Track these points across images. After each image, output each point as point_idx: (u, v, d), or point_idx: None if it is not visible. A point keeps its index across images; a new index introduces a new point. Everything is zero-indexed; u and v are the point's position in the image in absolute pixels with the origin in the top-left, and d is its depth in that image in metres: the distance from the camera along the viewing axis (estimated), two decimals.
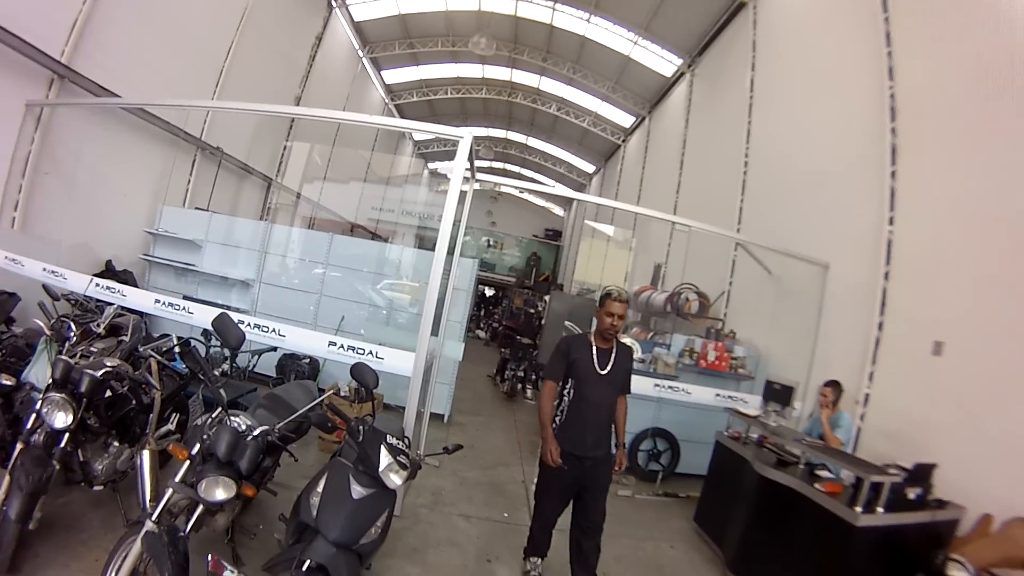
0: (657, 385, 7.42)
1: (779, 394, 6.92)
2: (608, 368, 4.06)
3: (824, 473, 4.96)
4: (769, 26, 10.86)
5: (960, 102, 5.81)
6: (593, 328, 4.26)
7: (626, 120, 20.34)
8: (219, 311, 3.74)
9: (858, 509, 4.14)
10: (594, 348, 4.09)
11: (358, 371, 3.79)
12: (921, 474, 4.44)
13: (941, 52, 6.24)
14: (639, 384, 7.43)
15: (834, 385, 5.92)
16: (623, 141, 21.21)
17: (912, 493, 4.34)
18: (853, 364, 6.51)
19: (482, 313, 27.03)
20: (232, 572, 2.88)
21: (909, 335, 5.91)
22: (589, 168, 26.64)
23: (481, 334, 23.43)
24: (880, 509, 4.18)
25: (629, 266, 13.38)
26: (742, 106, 11.02)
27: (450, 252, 6.59)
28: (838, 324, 7.11)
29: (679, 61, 15.22)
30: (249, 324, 5.77)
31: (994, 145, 5.30)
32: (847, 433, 5.79)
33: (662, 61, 15.84)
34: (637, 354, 8.09)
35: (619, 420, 4.27)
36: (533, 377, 12.46)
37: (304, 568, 2.90)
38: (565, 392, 4.13)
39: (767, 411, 6.90)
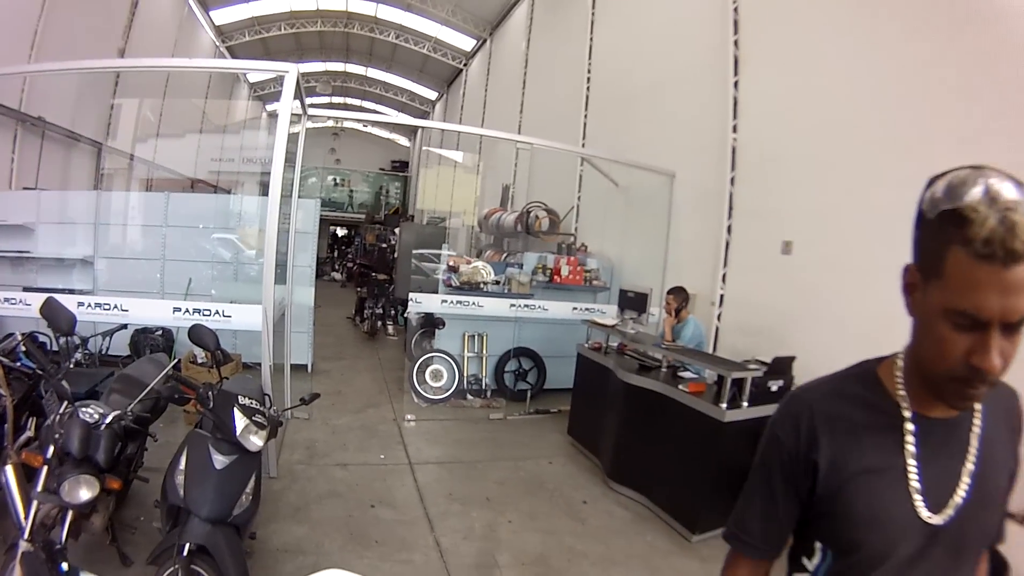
0: (513, 305, 7.46)
1: (634, 301, 7.08)
2: (965, 496, 1.05)
3: (687, 374, 5.10)
4: None
5: (798, 10, 5.93)
6: (900, 354, 1.12)
7: (467, 43, 19.80)
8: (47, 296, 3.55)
9: (723, 406, 4.27)
10: (909, 430, 1.07)
11: (196, 333, 3.66)
12: (780, 367, 4.65)
13: None
14: (495, 306, 7.49)
15: (677, 292, 5.95)
16: (465, 65, 20.74)
17: (774, 385, 4.53)
18: (706, 267, 6.75)
19: (335, 254, 26.10)
20: None
21: (758, 236, 6.16)
22: (432, 95, 25.92)
23: (336, 276, 22.63)
24: (744, 404, 4.35)
25: (477, 190, 13.14)
26: (584, 23, 10.90)
27: (289, 195, 6.10)
28: (688, 230, 7.33)
29: None
30: (88, 304, 5.28)
31: (828, 51, 5.45)
32: (694, 342, 5.80)
33: None
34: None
35: None
36: (392, 312, 12.17)
37: (185, 553, 2.74)
38: None
39: (624, 319, 7.04)
